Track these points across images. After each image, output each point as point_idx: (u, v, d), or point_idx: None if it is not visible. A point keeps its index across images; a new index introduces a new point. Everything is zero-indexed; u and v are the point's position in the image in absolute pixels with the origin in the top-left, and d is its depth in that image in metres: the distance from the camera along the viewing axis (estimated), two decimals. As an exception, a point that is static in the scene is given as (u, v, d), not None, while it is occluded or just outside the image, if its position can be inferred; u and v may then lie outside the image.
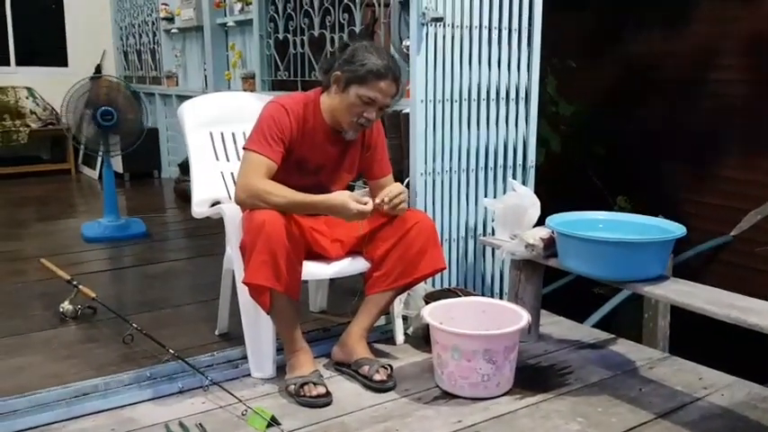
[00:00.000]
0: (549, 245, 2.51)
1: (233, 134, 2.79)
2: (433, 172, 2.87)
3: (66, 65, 7.18)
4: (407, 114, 2.93)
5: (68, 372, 2.38)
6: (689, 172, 4.70)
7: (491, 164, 3.01)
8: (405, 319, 2.78)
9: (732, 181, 4.46)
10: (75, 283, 2.94)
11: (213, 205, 2.66)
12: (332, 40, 3.82)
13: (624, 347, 2.74)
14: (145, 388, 2.28)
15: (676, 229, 2.28)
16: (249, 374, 2.44)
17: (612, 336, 2.86)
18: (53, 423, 2.11)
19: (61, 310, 2.88)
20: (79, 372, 2.37)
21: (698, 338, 3.43)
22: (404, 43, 3.03)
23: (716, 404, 2.25)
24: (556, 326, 2.95)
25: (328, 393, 2.27)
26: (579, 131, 4.89)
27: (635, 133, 4.91)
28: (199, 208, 2.65)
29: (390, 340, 2.73)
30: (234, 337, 2.64)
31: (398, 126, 3.07)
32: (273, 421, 2.07)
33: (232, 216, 2.43)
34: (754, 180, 4.29)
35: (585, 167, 4.90)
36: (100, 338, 2.70)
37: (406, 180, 2.93)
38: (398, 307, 2.72)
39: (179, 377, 2.34)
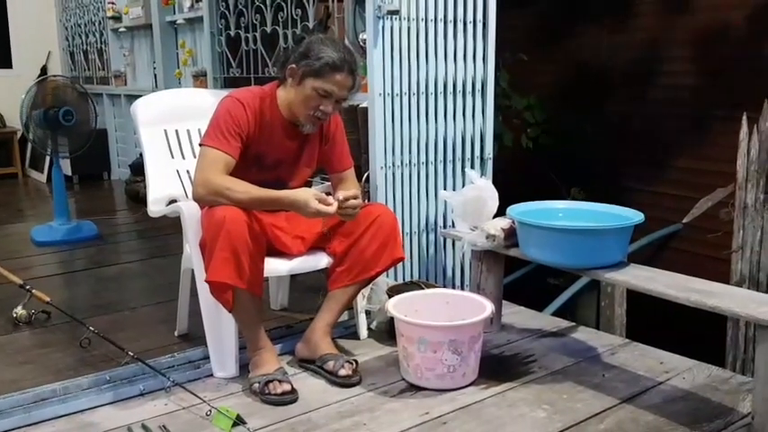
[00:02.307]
0: (510, 235, 2.53)
1: (188, 131, 2.73)
2: (393, 165, 2.87)
3: (10, 66, 6.95)
4: (364, 109, 2.92)
5: (25, 377, 2.30)
6: (640, 163, 4.80)
7: (450, 156, 3.02)
8: (368, 313, 2.76)
9: (683, 170, 4.57)
10: (28, 287, 2.85)
11: (169, 204, 2.61)
12: (285, 36, 3.78)
13: (585, 335, 2.77)
14: (105, 391, 2.22)
15: (634, 216, 2.32)
16: (212, 374, 2.39)
17: (573, 324, 2.90)
18: (11, 430, 2.04)
19: (14, 315, 2.79)
20: (36, 377, 2.29)
21: (654, 326, 3.50)
22: (360, 37, 3.01)
23: (678, 387, 2.29)
24: (517, 316, 2.97)
25: (294, 390, 2.24)
26: (532, 125, 4.94)
27: (587, 126, 4.99)
28: (155, 207, 2.59)
29: (354, 335, 2.72)
30: (194, 337, 2.59)
31: (355, 121, 3.06)
32: (239, 420, 2.04)
33: (190, 214, 2.37)
34: (704, 169, 4.40)
35: (539, 160, 4.95)
36: (56, 343, 2.62)
37: (366, 174, 2.92)
38: (361, 302, 2.70)
39: (139, 380, 2.29)
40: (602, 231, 2.28)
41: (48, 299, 2.81)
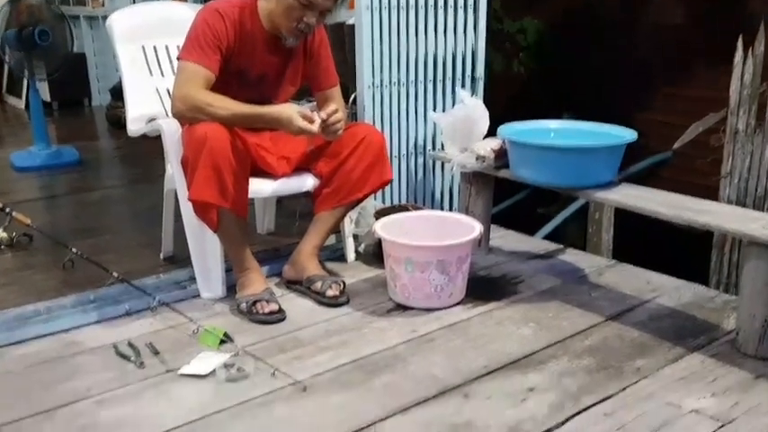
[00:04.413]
0: (501, 155, 2.49)
1: (166, 47, 2.64)
2: (381, 84, 2.79)
3: (-19, -13, 6.67)
4: (351, 26, 2.82)
5: (7, 298, 2.27)
6: (634, 89, 4.73)
7: (440, 75, 2.94)
8: (355, 237, 2.74)
9: (677, 97, 4.51)
10: (8, 210, 2.78)
11: (150, 122, 2.53)
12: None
13: (573, 257, 2.77)
14: (89, 311, 2.21)
15: (627, 134, 2.28)
16: (198, 295, 2.38)
17: (561, 246, 2.89)
18: (-5, 348, 2.04)
19: (-5, 237, 2.74)
20: (19, 298, 2.26)
21: (639, 253, 3.51)
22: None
23: (664, 305, 2.30)
24: (505, 239, 2.96)
25: (281, 310, 2.23)
26: (525, 49, 4.84)
27: (580, 50, 4.88)
28: (134, 125, 2.51)
29: (341, 259, 2.70)
30: (180, 259, 2.56)
31: (342, 39, 2.97)
32: (226, 338, 2.02)
33: (171, 131, 2.31)
34: (699, 96, 4.34)
35: (531, 85, 4.88)
36: (38, 265, 2.59)
37: (353, 95, 2.85)
38: (349, 225, 2.67)
39: (125, 300, 2.26)
40: (594, 150, 2.24)
41: (29, 221, 2.75)
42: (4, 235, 2.75)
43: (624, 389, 1.81)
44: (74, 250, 2.46)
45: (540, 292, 2.42)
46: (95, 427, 1.68)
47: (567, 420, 1.68)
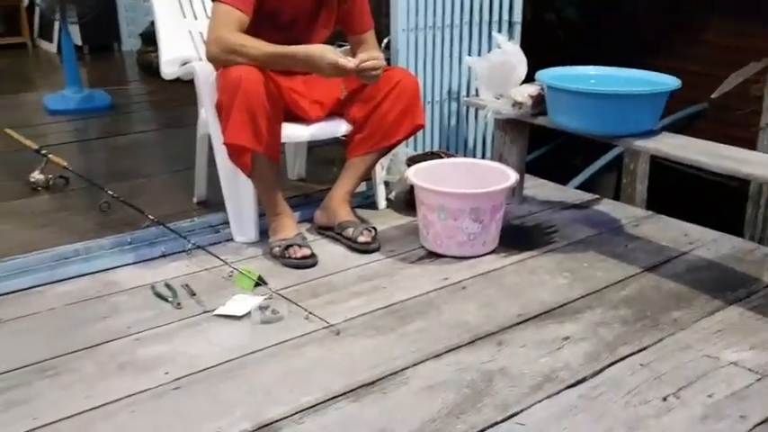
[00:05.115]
0: (538, 102, 2.43)
1: (201, -11, 2.60)
2: (416, 28, 2.73)
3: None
4: (387, -32, 2.76)
5: (46, 239, 2.29)
6: (669, 38, 4.59)
7: (476, 19, 2.87)
8: (386, 184, 2.72)
9: (715, 46, 4.36)
10: (44, 152, 2.80)
11: (183, 66, 2.51)
12: None
13: (609, 207, 2.74)
14: (126, 252, 2.24)
15: (670, 81, 2.21)
16: (231, 239, 2.40)
17: (596, 196, 2.85)
18: (35, 287, 2.08)
19: (32, 179, 2.76)
20: (57, 239, 2.29)
21: (672, 205, 3.46)
22: None
23: (702, 257, 2.27)
24: (539, 188, 2.92)
25: (313, 255, 2.24)
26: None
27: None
28: (168, 68, 2.49)
29: (372, 206, 2.69)
30: (213, 204, 2.57)
31: (377, -18, 2.90)
32: (260, 281, 2.04)
33: (204, 74, 2.29)
34: (737, 45, 4.19)
35: (558, 34, 4.73)
36: (75, 207, 2.62)
37: (386, 39, 2.80)
38: (380, 172, 2.66)
39: (160, 242, 2.29)
40: (638, 96, 2.17)
41: (65, 164, 2.77)
42: (41, 177, 2.78)
43: (661, 340, 1.79)
44: (110, 192, 2.48)
45: (574, 242, 2.40)
46: (134, 364, 1.71)
47: (602, 370, 1.67)
